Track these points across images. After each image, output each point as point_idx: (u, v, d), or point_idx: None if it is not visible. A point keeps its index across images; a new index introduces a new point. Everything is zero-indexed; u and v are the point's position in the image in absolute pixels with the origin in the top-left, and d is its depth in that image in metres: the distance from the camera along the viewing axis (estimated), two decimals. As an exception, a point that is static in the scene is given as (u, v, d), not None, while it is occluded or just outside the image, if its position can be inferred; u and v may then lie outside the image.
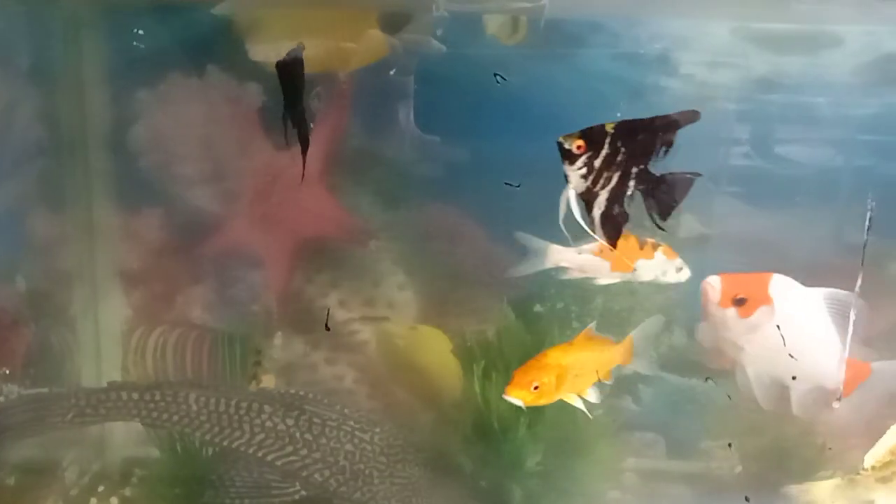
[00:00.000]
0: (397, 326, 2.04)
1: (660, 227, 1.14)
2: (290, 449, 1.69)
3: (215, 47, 1.97)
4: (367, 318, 2.06)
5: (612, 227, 1.15)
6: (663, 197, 1.13)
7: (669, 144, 1.12)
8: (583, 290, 2.10)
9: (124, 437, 2.08)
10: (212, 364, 2.01)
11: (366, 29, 1.90)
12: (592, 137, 1.11)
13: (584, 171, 1.11)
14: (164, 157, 2.02)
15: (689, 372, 2.05)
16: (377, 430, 1.74)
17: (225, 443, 1.70)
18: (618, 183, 1.13)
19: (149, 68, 2.00)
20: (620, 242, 1.59)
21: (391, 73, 1.88)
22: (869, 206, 1.12)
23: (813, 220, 2.04)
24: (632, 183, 1.13)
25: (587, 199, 1.13)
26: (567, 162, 1.11)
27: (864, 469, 1.36)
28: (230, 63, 1.96)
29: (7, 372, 1.91)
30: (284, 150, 1.50)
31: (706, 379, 1.57)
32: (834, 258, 1.95)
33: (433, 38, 1.88)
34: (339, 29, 1.88)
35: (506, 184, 1.13)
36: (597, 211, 1.14)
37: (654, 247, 1.61)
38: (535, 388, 1.40)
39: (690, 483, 2.04)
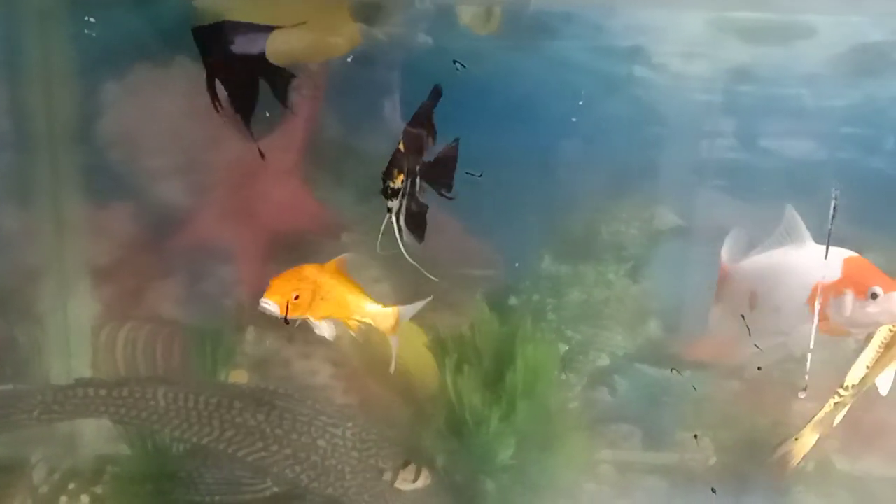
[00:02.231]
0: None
1: (449, 198, 1.22)
2: (260, 445, 1.68)
3: (185, 37, 1.94)
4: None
5: (416, 224, 1.22)
6: (441, 174, 1.21)
7: (433, 131, 1.19)
8: (558, 283, 2.09)
9: (95, 434, 2.05)
10: (182, 360, 1.99)
11: (338, 19, 1.88)
12: (402, 164, 1.18)
13: (400, 195, 1.19)
14: (134, 150, 1.99)
15: (664, 364, 2.05)
16: (349, 424, 1.72)
17: (194, 439, 1.69)
18: (410, 185, 1.20)
19: (117, 59, 1.96)
20: None
21: (348, 59, 1.86)
22: (833, 195, 1.13)
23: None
24: (418, 179, 1.21)
25: (397, 213, 1.20)
26: (393, 198, 1.19)
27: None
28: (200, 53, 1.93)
29: (-28, 369, 1.89)
30: (257, 142, 1.48)
31: (671, 370, 1.57)
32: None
33: (419, 30, 1.86)
34: (310, 19, 1.86)
35: (467, 173, 1.13)
36: (402, 218, 1.20)
37: None
38: (296, 298, 1.36)
39: (666, 474, 2.04)
